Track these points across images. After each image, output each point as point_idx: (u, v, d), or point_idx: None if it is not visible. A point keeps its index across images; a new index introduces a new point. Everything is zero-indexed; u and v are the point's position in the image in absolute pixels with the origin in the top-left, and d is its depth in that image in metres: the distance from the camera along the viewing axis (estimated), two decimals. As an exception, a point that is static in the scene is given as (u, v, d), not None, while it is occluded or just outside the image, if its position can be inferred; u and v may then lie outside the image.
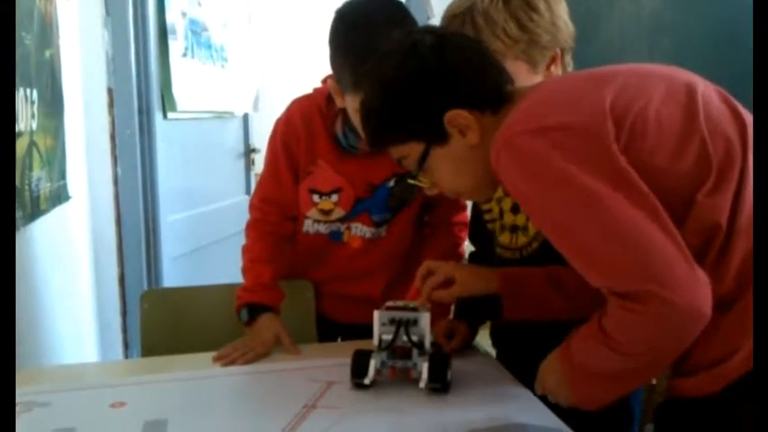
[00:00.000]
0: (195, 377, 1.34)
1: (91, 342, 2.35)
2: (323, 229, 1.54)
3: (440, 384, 1.18)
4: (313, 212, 1.52)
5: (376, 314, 1.21)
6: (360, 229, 1.53)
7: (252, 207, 1.57)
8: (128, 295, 2.56)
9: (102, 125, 2.46)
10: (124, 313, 2.56)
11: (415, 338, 1.20)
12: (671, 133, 0.93)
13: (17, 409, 1.18)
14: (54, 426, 1.11)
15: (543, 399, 1.14)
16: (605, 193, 0.88)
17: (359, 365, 1.21)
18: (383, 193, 1.49)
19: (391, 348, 1.21)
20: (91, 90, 2.42)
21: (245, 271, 1.51)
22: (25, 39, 1.69)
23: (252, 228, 1.57)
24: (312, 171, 1.49)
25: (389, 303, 1.27)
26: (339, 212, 1.51)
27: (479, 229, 1.46)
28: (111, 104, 2.48)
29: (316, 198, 1.50)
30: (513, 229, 1.33)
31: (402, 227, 1.56)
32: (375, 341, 1.22)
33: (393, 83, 1.06)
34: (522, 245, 1.32)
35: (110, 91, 2.47)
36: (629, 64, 1.06)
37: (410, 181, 1.12)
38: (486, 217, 1.41)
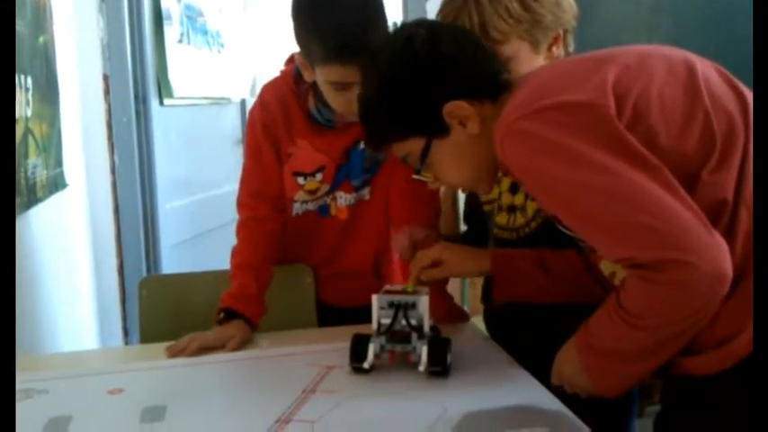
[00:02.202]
0: (193, 363, 1.33)
1: (90, 330, 2.35)
2: (311, 206, 1.54)
3: (440, 368, 1.17)
4: (300, 195, 1.52)
5: (374, 298, 1.21)
6: (344, 198, 1.53)
7: (240, 205, 1.55)
8: (127, 282, 2.55)
9: (98, 112, 2.45)
10: (123, 301, 2.55)
11: (413, 322, 1.20)
12: (674, 112, 0.92)
13: (16, 396, 1.18)
14: (52, 412, 1.10)
15: (551, 388, 1.13)
16: (616, 165, 0.87)
17: (358, 350, 1.21)
18: (358, 155, 1.49)
19: (390, 332, 1.20)
20: (86, 77, 2.40)
21: (231, 277, 1.48)
22: (19, 25, 1.68)
23: (242, 227, 1.54)
24: (292, 152, 1.48)
25: (388, 287, 1.26)
26: (325, 188, 1.51)
27: (474, 209, 1.45)
28: (106, 91, 2.47)
29: (300, 180, 1.50)
30: (511, 209, 1.33)
31: (383, 186, 1.55)
32: (374, 325, 1.21)
33: (389, 79, 1.06)
34: (519, 225, 1.31)
35: (105, 77, 2.46)
36: (626, 46, 1.05)
37: (414, 176, 1.12)
38: (483, 198, 1.40)
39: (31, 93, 1.73)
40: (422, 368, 1.16)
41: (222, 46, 3.08)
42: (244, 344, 1.40)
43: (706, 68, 0.98)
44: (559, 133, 0.90)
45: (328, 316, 1.62)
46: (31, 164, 1.73)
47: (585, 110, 0.91)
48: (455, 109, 1.03)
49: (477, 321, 1.55)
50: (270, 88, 1.50)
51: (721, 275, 0.85)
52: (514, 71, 1.16)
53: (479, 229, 1.44)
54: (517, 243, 1.31)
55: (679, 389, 1.01)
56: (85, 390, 1.22)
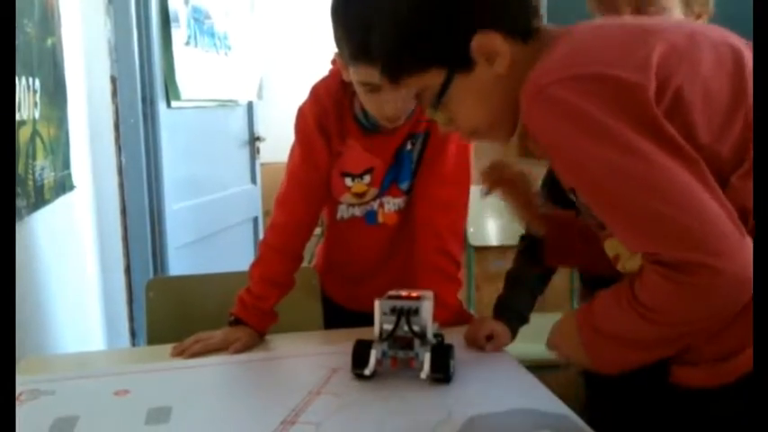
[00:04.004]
0: (199, 365, 1.34)
1: (97, 331, 2.36)
2: (358, 211, 1.51)
3: (442, 375, 1.16)
4: (347, 197, 1.49)
5: (377, 303, 1.19)
6: (392, 203, 1.51)
7: (280, 204, 1.48)
8: (134, 284, 2.56)
9: (105, 114, 2.45)
10: (130, 302, 2.56)
11: (416, 328, 1.18)
12: (718, 110, 0.85)
13: (22, 397, 1.19)
14: (58, 413, 1.11)
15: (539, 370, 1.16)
16: (649, 149, 0.80)
17: (359, 356, 1.19)
18: (405, 157, 1.47)
19: (392, 338, 1.18)
20: (94, 79, 2.41)
21: (251, 281, 1.46)
22: (26, 27, 1.68)
23: (276, 232, 1.48)
24: (342, 152, 1.46)
25: (392, 292, 1.24)
26: (373, 192, 1.49)
27: (555, 197, 1.29)
28: (114, 93, 2.47)
29: (348, 182, 1.47)
30: None
31: None
32: (376, 331, 1.20)
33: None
34: None
35: (113, 79, 2.46)
36: (674, 20, 0.99)
37: (428, 114, 1.02)
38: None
39: (39, 95, 1.74)
40: (423, 375, 1.15)
41: (229, 48, 3.09)
42: (248, 348, 1.40)
43: (749, 56, 0.90)
44: (595, 106, 0.82)
45: (339, 317, 1.61)
46: (39, 166, 1.73)
47: (625, 88, 0.83)
48: (487, 42, 0.92)
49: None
50: (322, 85, 1.46)
51: (747, 284, 0.80)
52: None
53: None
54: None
55: (676, 400, 0.99)
56: (92, 391, 1.22)
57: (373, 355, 1.18)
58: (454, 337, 1.32)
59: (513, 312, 1.40)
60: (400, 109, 1.33)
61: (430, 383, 1.17)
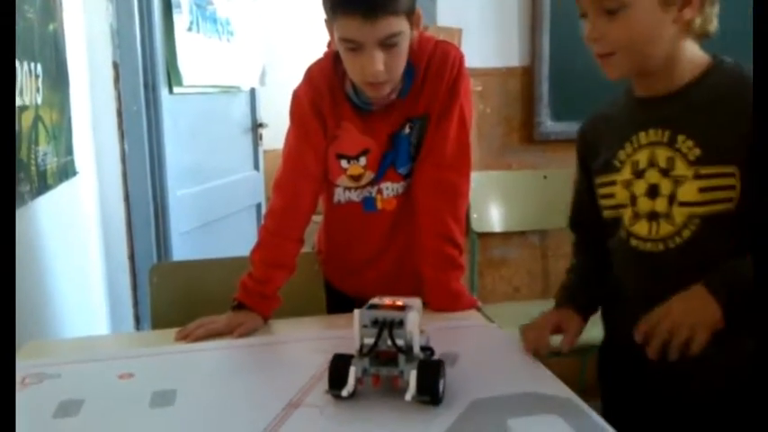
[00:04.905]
0: (203, 348, 1.34)
1: (102, 317, 2.37)
2: (354, 196, 1.50)
3: (429, 397, 1.02)
4: (343, 180, 1.48)
5: (356, 314, 1.06)
6: (391, 188, 1.49)
7: (278, 188, 1.48)
8: (138, 269, 2.57)
9: (107, 100, 2.45)
10: (134, 288, 2.57)
11: (401, 342, 1.03)
12: None
13: (27, 380, 1.19)
14: (63, 396, 1.11)
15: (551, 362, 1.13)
16: None
17: (337, 373, 1.05)
18: (403, 141, 1.46)
19: (375, 353, 1.04)
20: (96, 65, 2.40)
21: (253, 266, 1.46)
22: (28, 12, 1.68)
23: (276, 216, 1.48)
24: (338, 135, 1.45)
25: (373, 300, 1.10)
26: (369, 176, 1.47)
27: (586, 215, 1.33)
28: (116, 79, 2.47)
29: (344, 163, 1.47)
30: (652, 216, 1.17)
31: None
32: (356, 345, 1.06)
33: None
34: (666, 235, 1.16)
35: (115, 65, 2.46)
36: None
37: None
38: (605, 203, 1.25)
39: (41, 80, 1.74)
40: (409, 397, 1.01)
41: (232, 34, 3.07)
42: (251, 332, 1.40)
43: None
44: None
45: (342, 302, 1.61)
46: (42, 151, 1.73)
47: None
48: None
49: (485, 309, 1.55)
50: (316, 67, 1.46)
51: None
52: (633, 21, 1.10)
53: (594, 239, 1.31)
54: (665, 256, 1.16)
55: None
56: (96, 374, 1.23)
57: (353, 373, 1.05)
58: (459, 338, 1.31)
59: (582, 297, 1.33)
60: (381, 71, 1.30)
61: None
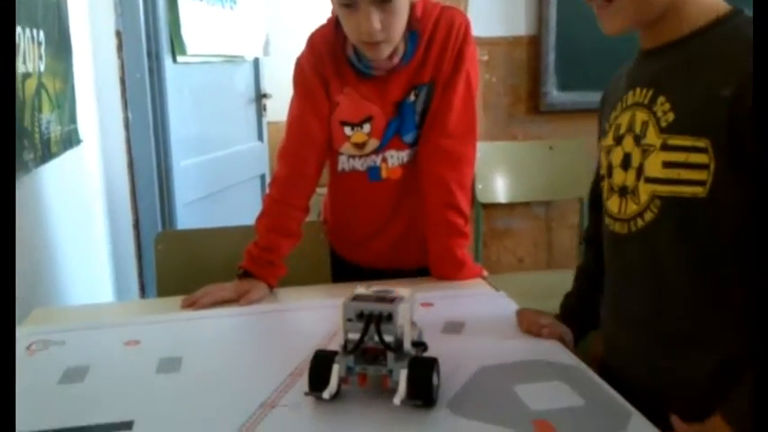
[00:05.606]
0: (209, 315, 1.34)
1: (107, 285, 2.37)
2: (359, 165, 1.48)
3: (421, 401, 0.91)
4: (347, 147, 1.47)
5: (341, 306, 0.95)
6: (396, 157, 1.48)
7: (282, 157, 1.47)
8: (142, 240, 2.57)
9: (111, 68, 2.43)
10: (139, 257, 2.57)
11: (389, 338, 0.92)
12: None
13: (33, 347, 1.19)
14: (69, 363, 1.12)
15: None
16: None
17: (318, 373, 0.94)
18: (408, 109, 1.45)
19: (361, 350, 0.94)
20: (99, 32, 2.38)
21: (258, 235, 1.46)
22: (30, -23, 1.66)
23: (280, 184, 1.47)
24: (340, 101, 1.44)
25: (359, 290, 0.99)
26: (373, 144, 1.46)
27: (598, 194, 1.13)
28: (119, 47, 2.44)
29: (348, 131, 1.45)
30: (623, 191, 1.02)
31: None
32: (340, 341, 0.95)
33: None
34: (631, 215, 1.00)
35: (118, 33, 2.43)
36: None
37: None
38: (602, 172, 1.09)
39: (43, 47, 1.72)
40: (397, 400, 0.90)
41: (235, 3, 3.04)
42: (258, 300, 1.40)
43: None
44: None
45: (348, 271, 1.60)
46: (45, 119, 1.72)
47: None
48: None
49: (491, 278, 1.54)
50: (318, 33, 1.46)
51: None
52: None
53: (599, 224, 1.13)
54: (627, 241, 1.01)
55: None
56: (102, 341, 1.23)
57: (335, 371, 0.93)
58: (464, 306, 1.30)
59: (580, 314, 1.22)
60: (377, 29, 1.29)
61: (440, 334, 1.09)
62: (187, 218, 2.70)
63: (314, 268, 1.63)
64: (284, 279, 1.48)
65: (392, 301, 0.94)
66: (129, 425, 0.92)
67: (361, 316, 0.93)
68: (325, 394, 0.92)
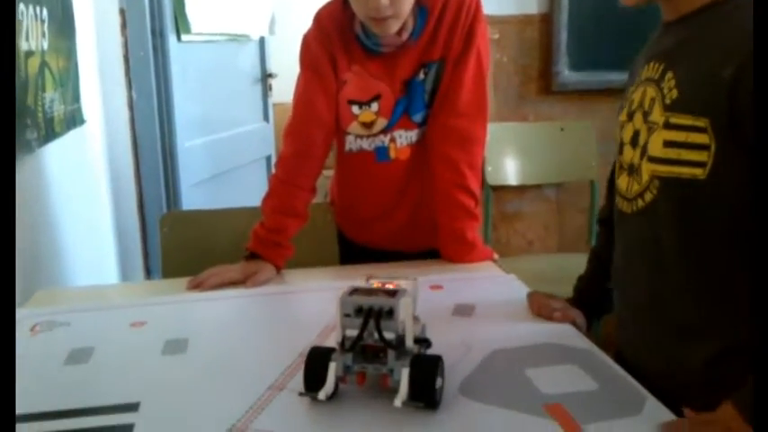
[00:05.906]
0: (215, 297, 1.33)
1: (112, 266, 2.36)
2: (366, 145, 1.46)
3: (423, 403, 0.85)
4: (354, 127, 1.44)
5: (338, 301, 0.89)
6: (405, 137, 1.45)
7: (288, 135, 1.45)
8: (147, 221, 2.55)
9: (114, 47, 2.40)
10: (144, 238, 2.55)
11: (389, 335, 0.86)
12: None
13: (38, 328, 1.18)
14: (74, 344, 1.10)
15: None
16: None
17: (313, 372, 0.88)
18: (418, 87, 1.42)
19: (360, 347, 0.88)
20: (102, 10, 2.35)
21: (265, 214, 1.44)
22: (32, -48, 1.62)
23: (287, 162, 1.44)
24: (347, 79, 1.41)
25: (356, 284, 0.92)
26: (381, 123, 1.43)
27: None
28: (123, 25, 2.41)
29: (355, 110, 1.42)
30: (630, 169, 0.99)
31: None
32: (337, 338, 0.89)
33: None
34: (634, 194, 0.98)
35: (122, 11, 2.40)
36: None
37: None
38: (616, 149, 1.07)
39: (46, 25, 1.69)
40: (398, 402, 0.84)
41: (240, -20, 3.00)
42: (265, 282, 1.38)
43: None
44: None
45: (355, 253, 1.59)
46: (49, 98, 1.70)
47: None
48: None
49: (501, 261, 1.52)
50: (325, 11, 1.43)
51: None
52: None
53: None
54: (629, 222, 1.00)
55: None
56: (108, 322, 1.22)
57: (332, 370, 0.87)
58: (475, 289, 1.29)
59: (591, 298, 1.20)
60: (385, 4, 1.26)
61: (448, 321, 1.07)
62: (192, 199, 2.68)
63: (321, 250, 1.61)
64: (291, 261, 1.46)
65: (393, 294, 0.88)
66: (134, 406, 0.91)
67: (359, 311, 0.87)
68: (321, 395, 0.86)
